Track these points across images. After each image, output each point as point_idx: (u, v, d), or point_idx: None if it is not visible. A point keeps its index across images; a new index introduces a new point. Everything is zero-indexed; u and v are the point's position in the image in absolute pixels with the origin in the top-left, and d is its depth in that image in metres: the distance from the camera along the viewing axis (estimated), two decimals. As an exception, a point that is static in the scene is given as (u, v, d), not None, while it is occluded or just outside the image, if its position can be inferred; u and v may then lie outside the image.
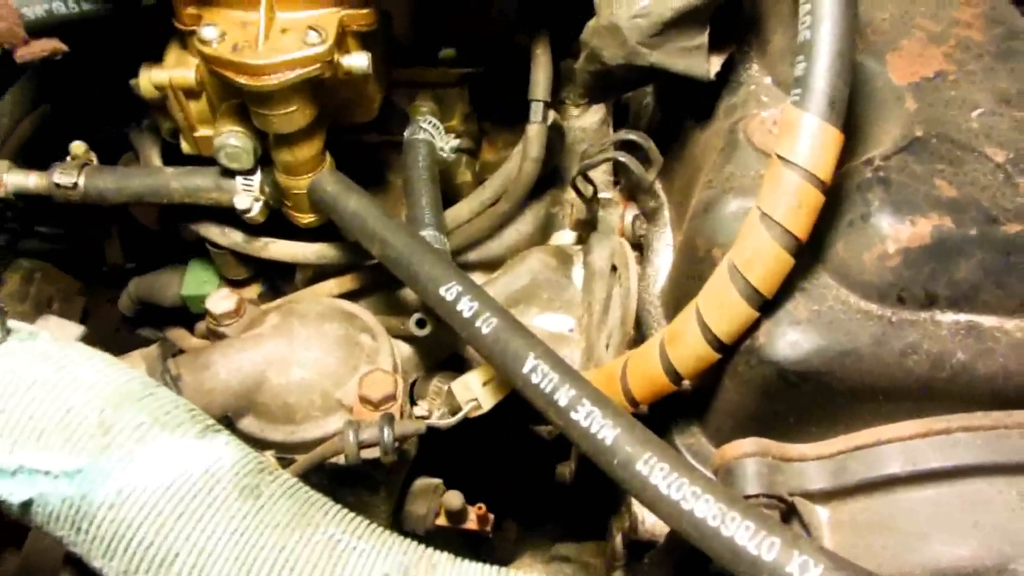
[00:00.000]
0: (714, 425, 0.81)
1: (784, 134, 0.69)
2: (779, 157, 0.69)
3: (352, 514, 0.67)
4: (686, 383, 0.79)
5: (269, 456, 0.82)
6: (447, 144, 1.06)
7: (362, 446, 0.81)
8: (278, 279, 1.16)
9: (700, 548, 0.60)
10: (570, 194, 1.18)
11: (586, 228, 1.11)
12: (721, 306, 0.72)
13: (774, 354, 0.72)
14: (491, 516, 0.97)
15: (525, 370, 0.74)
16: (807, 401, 0.73)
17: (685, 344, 0.74)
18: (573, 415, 0.70)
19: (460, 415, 0.86)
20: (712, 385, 0.78)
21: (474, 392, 0.86)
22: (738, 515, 0.59)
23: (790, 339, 0.72)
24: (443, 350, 1.06)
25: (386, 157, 1.14)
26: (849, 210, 0.74)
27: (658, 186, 1.05)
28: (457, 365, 1.05)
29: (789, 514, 0.67)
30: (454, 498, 0.95)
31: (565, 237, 1.18)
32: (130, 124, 1.15)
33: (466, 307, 0.80)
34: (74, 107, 1.16)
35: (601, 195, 1.11)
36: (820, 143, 0.68)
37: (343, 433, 0.81)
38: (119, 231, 1.37)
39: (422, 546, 0.64)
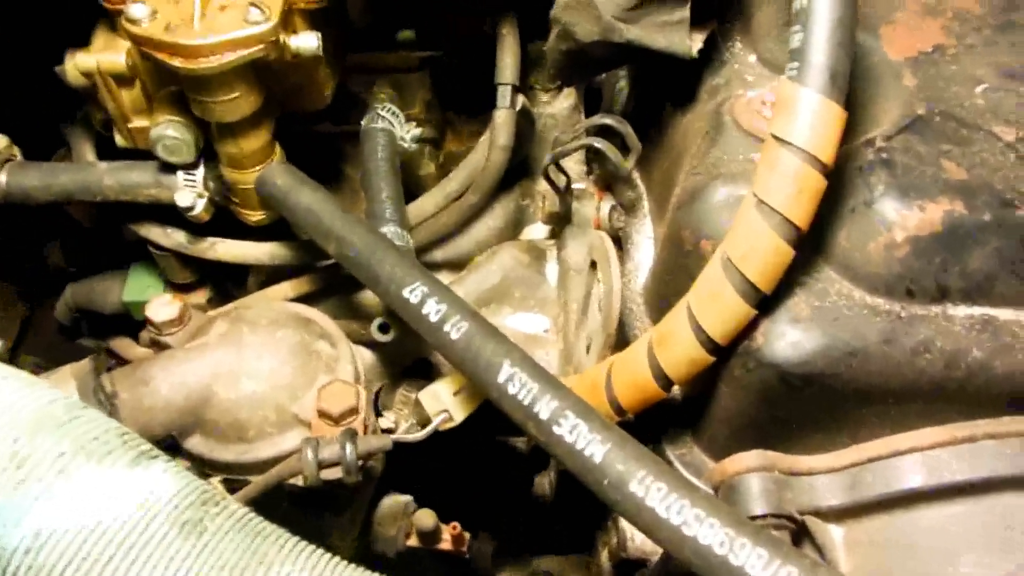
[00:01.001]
0: (708, 434, 0.74)
1: (781, 112, 0.63)
2: (775, 138, 0.63)
3: (312, 548, 0.60)
4: (676, 389, 0.73)
5: (215, 483, 0.74)
6: (408, 133, 0.98)
7: (323, 466, 0.74)
8: (228, 283, 1.07)
9: (704, 579, 0.54)
10: (541, 185, 1.11)
11: (559, 221, 1.04)
12: (715, 304, 0.65)
13: (774, 355, 0.66)
14: (466, 535, 0.90)
15: (500, 379, 0.67)
16: (810, 406, 0.67)
17: (676, 346, 0.68)
18: (556, 429, 0.62)
19: (429, 428, 0.79)
20: (706, 390, 0.72)
21: (444, 403, 0.78)
22: (748, 541, 0.52)
23: (791, 339, 0.65)
24: (409, 355, 0.98)
25: (342, 149, 1.06)
26: (851, 196, 0.68)
27: (636, 176, 0.99)
28: (425, 371, 0.98)
29: (799, 535, 0.60)
30: (426, 517, 0.88)
31: (537, 231, 1.10)
32: (62, 117, 1.06)
33: (432, 310, 0.73)
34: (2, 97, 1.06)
35: (575, 186, 1.04)
36: (821, 121, 0.61)
37: (301, 452, 0.73)
38: (61, 232, 1.27)
39: (392, 582, 0.57)
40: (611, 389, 0.72)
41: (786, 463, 0.61)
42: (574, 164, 1.12)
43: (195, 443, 0.81)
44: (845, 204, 0.68)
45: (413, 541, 0.90)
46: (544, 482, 1.02)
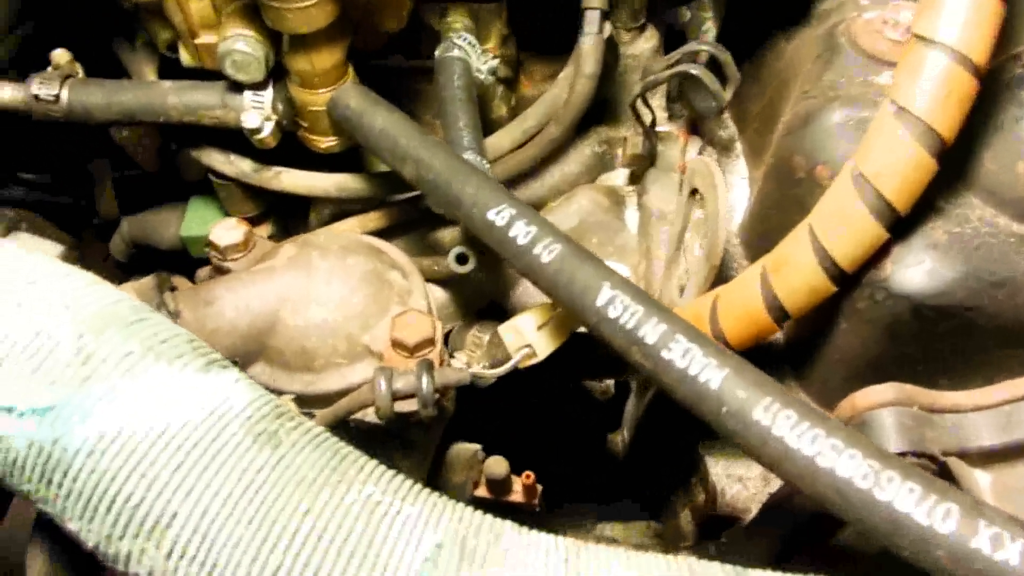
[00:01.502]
0: (819, 377, 0.68)
1: (927, 8, 0.56)
2: (918, 37, 0.56)
3: (393, 472, 0.54)
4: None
5: (287, 400, 0.68)
6: (484, 64, 0.92)
7: (397, 397, 0.68)
8: (289, 219, 1.02)
9: (843, 516, 0.47)
10: (620, 131, 1.05)
11: (642, 164, 0.97)
12: (842, 225, 0.59)
13: (906, 284, 0.59)
14: (539, 487, 0.84)
15: (600, 302, 0.61)
16: (943, 343, 0.60)
17: (795, 272, 0.61)
18: (665, 354, 0.56)
19: (510, 364, 0.73)
20: (818, 328, 0.65)
21: (527, 337, 0.72)
22: (896, 474, 0.46)
23: (927, 266, 0.59)
24: (482, 297, 0.93)
25: (412, 85, 1.01)
26: (997, 113, 0.61)
27: (726, 114, 0.92)
28: (497, 315, 0.92)
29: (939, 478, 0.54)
30: (498, 465, 0.82)
31: (615, 179, 1.04)
32: (120, 42, 1.01)
33: (521, 232, 0.67)
34: (58, 24, 1.02)
35: (658, 128, 0.97)
36: (976, 15, 0.54)
37: (373, 382, 0.68)
38: (112, 178, 1.24)
39: (479, 512, 0.51)
40: (716, 322, 0.66)
41: (927, 398, 0.54)
42: (655, 106, 1.06)
43: (258, 371, 0.76)
44: (990, 122, 0.61)
45: (481, 491, 0.84)
46: (617, 439, 0.96)
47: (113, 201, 1.23)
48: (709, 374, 0.54)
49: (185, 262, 1.07)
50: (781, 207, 0.72)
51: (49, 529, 0.54)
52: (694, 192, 0.76)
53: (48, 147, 1.15)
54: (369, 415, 0.73)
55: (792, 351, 0.70)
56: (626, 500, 1.09)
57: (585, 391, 0.93)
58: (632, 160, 0.97)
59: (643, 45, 1.06)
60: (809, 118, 0.69)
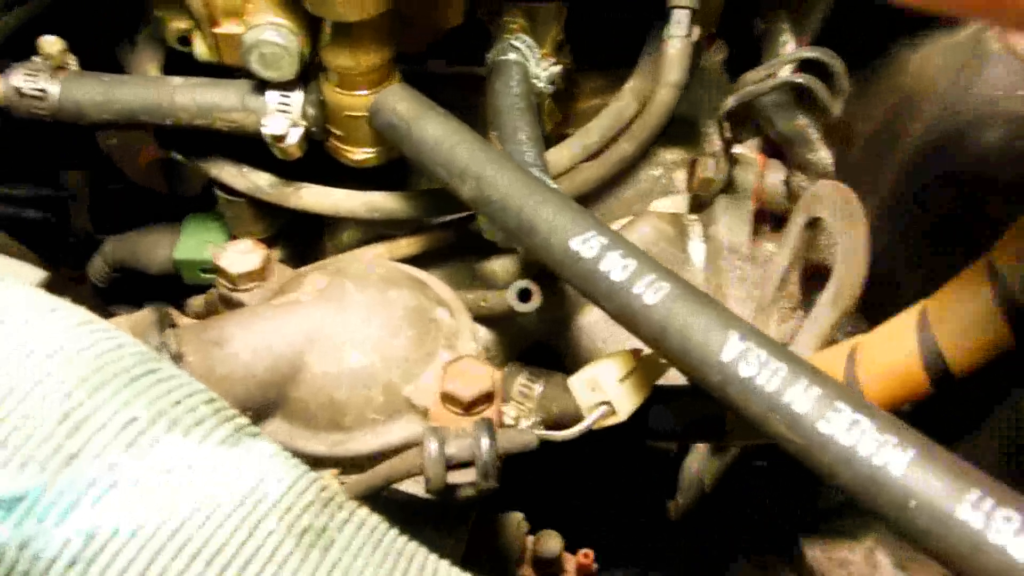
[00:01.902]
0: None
1: None
2: None
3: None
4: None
5: (329, 477, 0.55)
6: (545, 71, 0.80)
7: (450, 466, 0.55)
8: (301, 245, 0.89)
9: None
10: (678, 153, 0.93)
11: (711, 190, 0.86)
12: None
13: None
14: (595, 567, 0.71)
15: (726, 356, 0.48)
16: None
17: (965, 317, 0.49)
18: (823, 427, 0.44)
19: (585, 424, 0.60)
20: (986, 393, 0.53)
21: (606, 392, 0.60)
22: None
23: None
24: (526, 338, 0.80)
25: (460, 93, 0.88)
26: None
27: (815, 137, 0.81)
28: (547, 359, 0.79)
29: None
30: (551, 541, 0.69)
31: (673, 206, 0.92)
32: (120, 41, 0.89)
33: (617, 266, 0.54)
34: (48, 12, 0.89)
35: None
36: None
37: (423, 445, 0.55)
38: (89, 193, 1.10)
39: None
40: (854, 380, 0.54)
41: None
42: (716, 131, 0.94)
43: (275, 428, 0.62)
44: None
45: (526, 570, 0.71)
46: (671, 507, 0.83)
47: (87, 217, 1.10)
48: (887, 456, 0.42)
49: (173, 289, 0.94)
50: (912, 244, 0.60)
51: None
52: (812, 223, 0.64)
53: (15, 154, 1.02)
54: (407, 484, 0.60)
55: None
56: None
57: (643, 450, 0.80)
58: (702, 185, 0.85)
59: (713, 58, 0.95)
60: (959, 138, 0.58)
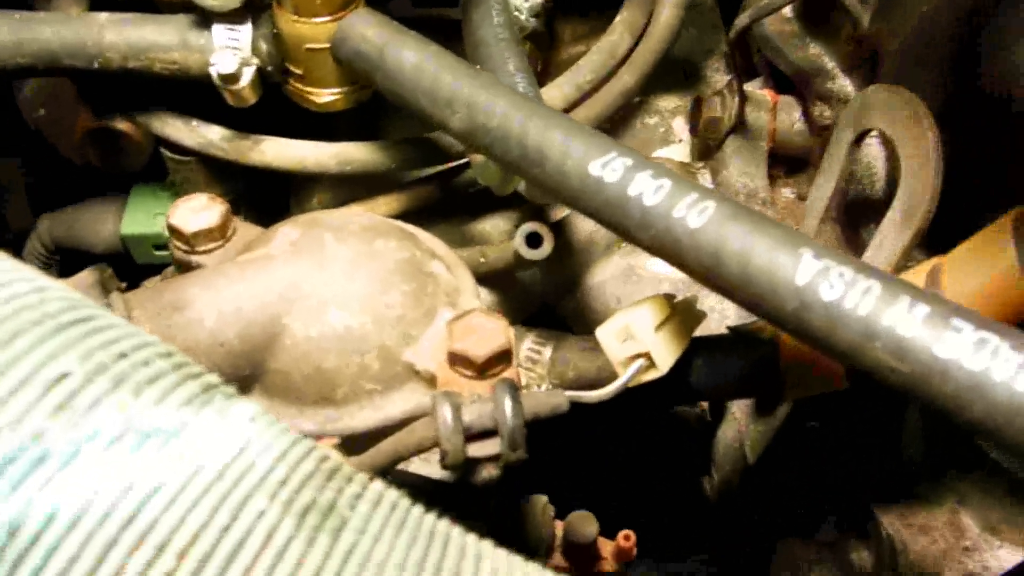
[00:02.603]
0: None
1: None
2: None
3: (519, 559, 0.33)
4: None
5: (328, 446, 0.45)
6: (526, 3, 0.72)
7: (469, 436, 0.46)
8: (265, 212, 0.79)
9: None
10: (667, 101, 0.85)
11: (718, 133, 0.78)
12: None
13: None
14: (635, 551, 0.62)
15: (801, 279, 0.40)
16: None
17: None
18: (939, 350, 0.35)
19: (622, 381, 0.51)
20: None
21: (643, 342, 0.51)
22: None
23: None
24: (531, 301, 0.71)
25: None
26: None
27: (832, 66, 0.73)
28: (552, 324, 0.70)
29: None
30: (585, 524, 0.60)
31: (671, 154, 0.84)
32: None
33: (649, 188, 0.46)
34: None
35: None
36: None
37: (434, 413, 0.45)
38: (25, 181, 0.98)
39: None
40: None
41: None
42: (714, 73, 0.87)
43: (250, 409, 0.52)
44: None
45: (557, 559, 0.62)
46: (707, 485, 0.74)
47: (27, 209, 0.98)
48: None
49: (122, 273, 0.83)
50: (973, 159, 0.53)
51: None
52: (860, 139, 0.55)
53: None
54: (416, 464, 0.51)
55: None
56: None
57: (673, 418, 0.71)
58: (708, 126, 0.77)
59: (705, -9, 0.87)
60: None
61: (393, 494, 0.32)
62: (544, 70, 0.89)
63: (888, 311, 0.37)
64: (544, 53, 0.88)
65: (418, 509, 0.33)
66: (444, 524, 0.33)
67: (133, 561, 0.26)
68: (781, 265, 0.41)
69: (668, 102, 0.87)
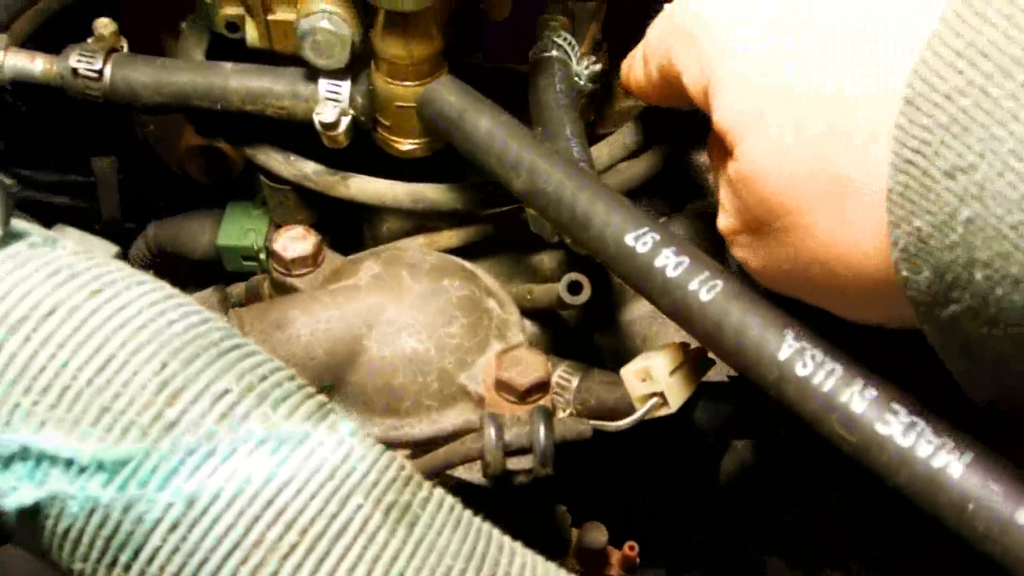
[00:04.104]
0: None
1: None
2: None
3: (549, 563, 0.43)
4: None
5: (403, 457, 0.56)
6: (586, 69, 0.81)
7: (508, 452, 0.56)
8: (340, 235, 0.90)
9: None
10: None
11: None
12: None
13: None
14: (638, 560, 0.72)
15: (782, 355, 0.50)
16: None
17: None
18: (881, 428, 0.45)
19: (638, 416, 0.61)
20: None
21: (659, 383, 0.61)
22: None
23: None
24: (567, 333, 0.81)
25: (498, 88, 0.89)
26: None
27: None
28: (583, 353, 0.80)
29: None
30: (597, 533, 0.70)
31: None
32: (164, 27, 0.90)
33: (671, 263, 0.55)
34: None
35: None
36: None
37: (482, 430, 0.56)
38: (119, 181, 1.10)
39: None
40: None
41: None
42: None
43: (328, 411, 0.63)
44: None
45: (571, 562, 0.72)
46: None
47: (117, 204, 1.10)
48: (944, 458, 0.43)
49: (210, 275, 0.95)
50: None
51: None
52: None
53: (47, 139, 1.02)
54: (460, 470, 0.62)
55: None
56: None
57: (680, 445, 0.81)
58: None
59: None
60: None
61: (452, 499, 0.43)
62: (597, 120, 0.99)
63: (845, 391, 0.47)
64: (600, 107, 0.98)
65: (469, 512, 0.43)
66: (487, 524, 0.43)
67: (270, 533, 0.36)
68: (768, 341, 0.50)
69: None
